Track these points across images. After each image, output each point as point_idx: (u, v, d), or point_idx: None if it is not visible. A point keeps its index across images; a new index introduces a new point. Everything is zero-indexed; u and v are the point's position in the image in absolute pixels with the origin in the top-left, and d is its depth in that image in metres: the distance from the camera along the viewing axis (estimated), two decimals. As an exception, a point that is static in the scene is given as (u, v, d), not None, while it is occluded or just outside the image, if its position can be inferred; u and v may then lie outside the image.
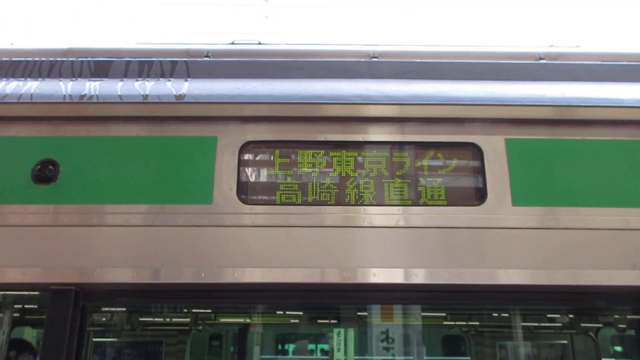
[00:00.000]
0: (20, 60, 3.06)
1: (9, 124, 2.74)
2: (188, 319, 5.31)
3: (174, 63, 3.05)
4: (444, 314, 5.65)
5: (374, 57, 3.37)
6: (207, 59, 3.30)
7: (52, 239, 2.53)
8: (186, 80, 2.89)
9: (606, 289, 2.50)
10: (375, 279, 2.47)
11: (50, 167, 2.63)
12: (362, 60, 3.30)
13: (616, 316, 3.47)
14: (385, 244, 2.53)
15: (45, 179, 2.61)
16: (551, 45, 3.69)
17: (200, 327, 5.42)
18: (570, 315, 5.14)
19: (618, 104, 2.68)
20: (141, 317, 5.02)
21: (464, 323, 5.73)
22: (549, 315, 5.22)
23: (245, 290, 2.56)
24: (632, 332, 3.34)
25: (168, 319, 5.27)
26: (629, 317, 3.27)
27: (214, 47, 3.59)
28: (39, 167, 2.63)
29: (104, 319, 4.76)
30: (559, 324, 5.34)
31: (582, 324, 5.44)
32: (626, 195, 2.59)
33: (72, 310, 2.42)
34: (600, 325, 5.33)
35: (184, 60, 3.11)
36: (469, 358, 5.82)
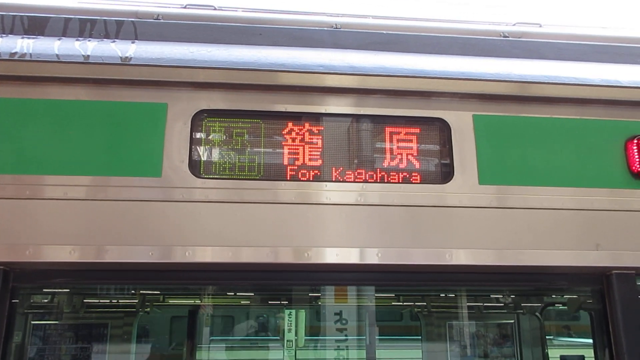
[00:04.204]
0: None
1: None
2: (135, 301, 5.06)
3: (119, 23, 2.79)
4: (404, 294, 5.64)
5: (337, 28, 3.21)
6: (158, 20, 3.05)
7: None
8: (133, 42, 2.64)
9: (569, 269, 2.49)
10: (338, 258, 2.35)
11: None
12: (325, 29, 3.14)
13: (570, 296, 3.52)
14: (347, 222, 2.40)
15: None
16: (515, 24, 3.65)
17: (148, 309, 5.19)
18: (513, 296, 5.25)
19: (585, 82, 2.65)
20: (84, 298, 4.74)
21: (423, 304, 5.75)
22: (499, 295, 5.32)
23: (197, 271, 2.38)
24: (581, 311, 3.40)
25: (114, 301, 5.01)
26: (581, 297, 3.32)
27: (165, 10, 3.33)
28: None
29: (44, 301, 4.46)
30: (511, 303, 5.46)
31: (529, 304, 5.60)
32: (591, 175, 2.57)
33: (1, 291, 2.17)
34: (543, 304, 5.49)
35: (132, 21, 2.85)
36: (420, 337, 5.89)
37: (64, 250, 2.23)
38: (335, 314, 4.31)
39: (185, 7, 3.51)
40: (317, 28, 3.10)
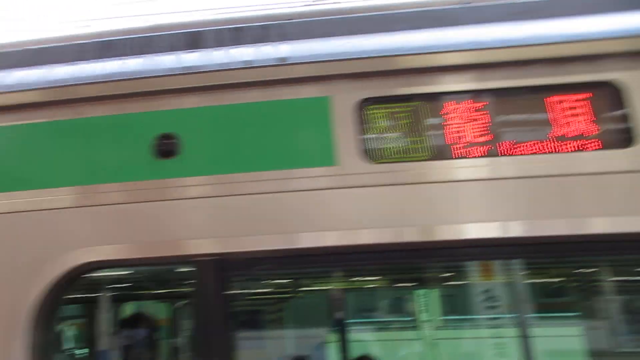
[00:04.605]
0: (112, 40, 3.04)
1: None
2: (289, 288, 5.34)
3: (264, 27, 2.96)
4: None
5: (469, 3, 3.15)
6: (292, 21, 3.18)
7: (184, 213, 2.53)
8: (283, 42, 2.79)
9: None
10: (523, 232, 2.33)
11: (172, 140, 2.61)
12: (460, 6, 3.10)
13: None
14: (525, 196, 2.38)
15: (166, 152, 2.60)
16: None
17: (301, 294, 5.44)
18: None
19: None
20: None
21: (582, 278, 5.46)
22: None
23: (379, 252, 2.48)
24: None
25: (269, 288, 5.31)
26: None
27: (293, 10, 3.46)
28: (159, 140, 2.62)
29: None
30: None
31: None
32: None
33: (217, 281, 2.43)
34: None
35: (274, 24, 3.00)
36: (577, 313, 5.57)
37: (263, 240, 2.44)
38: (485, 291, 4.26)
39: (309, 5, 3.63)
40: (453, 6, 3.07)
